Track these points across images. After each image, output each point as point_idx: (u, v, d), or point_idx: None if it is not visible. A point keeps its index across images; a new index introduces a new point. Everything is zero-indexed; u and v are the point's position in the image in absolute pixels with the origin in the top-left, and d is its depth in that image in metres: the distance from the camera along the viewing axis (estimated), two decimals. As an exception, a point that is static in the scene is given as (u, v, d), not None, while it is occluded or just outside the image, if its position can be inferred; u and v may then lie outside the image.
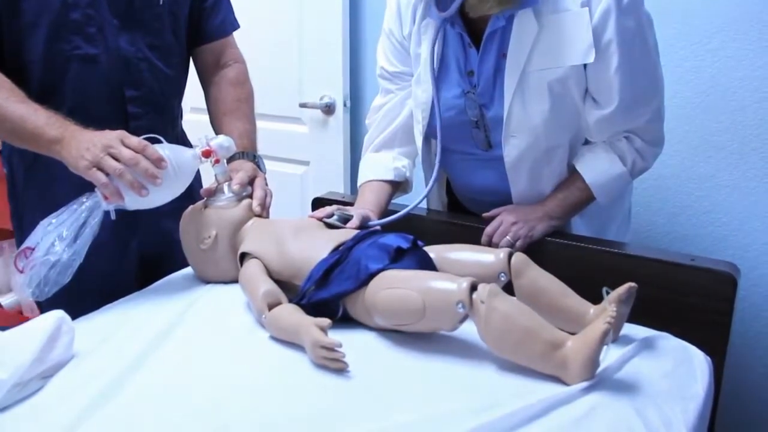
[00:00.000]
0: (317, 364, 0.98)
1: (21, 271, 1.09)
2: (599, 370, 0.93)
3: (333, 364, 0.97)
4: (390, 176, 1.47)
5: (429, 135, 1.44)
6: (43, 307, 1.34)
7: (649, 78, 1.30)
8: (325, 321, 1.00)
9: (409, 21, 1.40)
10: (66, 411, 0.88)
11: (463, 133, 1.39)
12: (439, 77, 1.36)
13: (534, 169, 1.35)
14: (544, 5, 1.23)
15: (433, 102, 1.36)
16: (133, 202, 1.14)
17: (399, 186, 1.52)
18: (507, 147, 1.33)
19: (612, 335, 0.98)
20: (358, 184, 1.51)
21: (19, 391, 0.91)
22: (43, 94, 1.28)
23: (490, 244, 1.32)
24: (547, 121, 1.29)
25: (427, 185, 1.53)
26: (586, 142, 1.39)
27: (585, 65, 1.25)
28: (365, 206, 1.39)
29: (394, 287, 1.02)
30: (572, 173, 1.37)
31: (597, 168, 1.35)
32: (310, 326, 0.99)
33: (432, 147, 1.49)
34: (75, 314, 1.06)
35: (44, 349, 0.94)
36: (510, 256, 1.08)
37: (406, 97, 1.48)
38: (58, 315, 0.99)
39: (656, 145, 1.37)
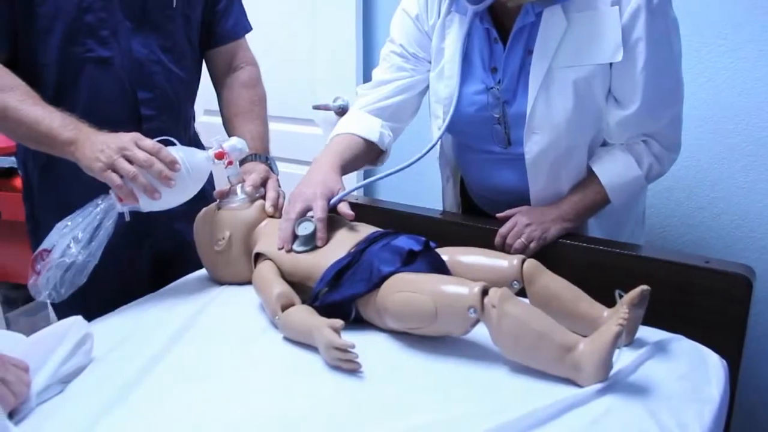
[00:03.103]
0: (331, 365, 0.99)
1: (38, 273, 1.10)
2: (612, 372, 0.92)
3: (346, 365, 0.97)
4: (374, 137, 1.42)
5: (450, 130, 1.43)
6: (57, 308, 1.35)
7: (672, 81, 1.30)
8: (339, 322, 1.00)
9: (434, 13, 1.40)
10: (84, 413, 0.89)
11: (484, 130, 1.39)
12: (462, 72, 1.36)
13: (553, 167, 1.35)
14: (573, 3, 1.24)
15: (455, 97, 1.35)
16: (148, 203, 1.15)
17: (373, 155, 1.47)
18: (528, 144, 1.33)
19: (626, 338, 0.98)
20: (330, 135, 1.45)
21: (38, 395, 0.92)
22: (57, 96, 1.29)
23: (504, 245, 1.32)
24: (569, 119, 1.29)
25: (444, 182, 1.54)
26: (604, 144, 1.38)
27: (611, 64, 1.25)
28: (327, 167, 1.33)
29: (406, 290, 1.02)
30: (588, 175, 1.37)
31: (613, 170, 1.34)
32: (324, 327, 0.99)
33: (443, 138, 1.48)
34: (88, 315, 1.07)
35: (66, 357, 0.96)
36: (523, 262, 1.08)
37: (419, 83, 1.46)
38: (79, 322, 1.00)
39: (673, 150, 1.37)
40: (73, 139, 1.16)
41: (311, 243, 1.17)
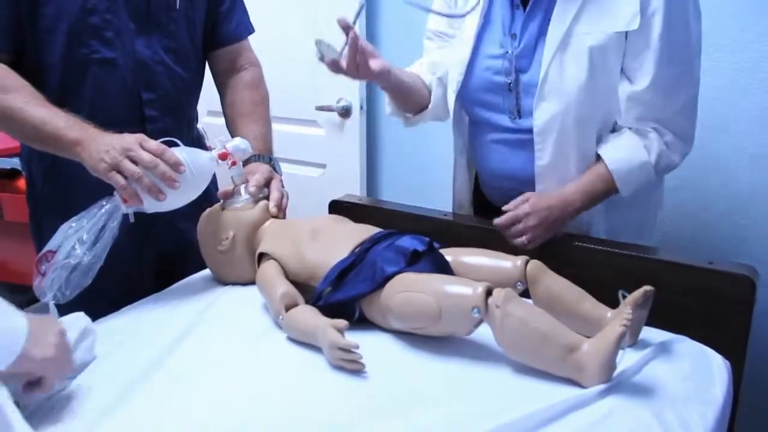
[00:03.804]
0: (334, 366, 0.99)
1: (42, 275, 1.11)
2: (616, 373, 0.93)
3: (350, 365, 0.97)
4: (426, 79, 1.50)
5: (463, 98, 1.46)
6: (62, 309, 1.35)
7: (687, 65, 1.30)
8: (342, 322, 1.00)
9: None
10: (87, 411, 0.89)
11: (495, 98, 1.40)
12: (480, 36, 1.40)
13: (560, 140, 1.34)
14: None
15: (470, 61, 1.40)
16: (152, 204, 1.15)
17: (419, 99, 1.50)
18: (537, 111, 1.33)
19: (629, 339, 0.98)
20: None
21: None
22: (62, 97, 1.29)
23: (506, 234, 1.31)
24: (581, 88, 1.29)
25: (456, 155, 1.58)
26: (614, 130, 1.38)
27: (626, 36, 1.27)
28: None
29: (409, 291, 1.02)
30: (596, 162, 1.36)
31: (621, 155, 1.33)
32: (328, 328, 1.00)
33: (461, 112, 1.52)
34: (92, 315, 1.07)
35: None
36: (527, 263, 1.08)
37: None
38: (81, 318, 1.01)
39: (686, 141, 1.35)
40: (78, 140, 1.16)
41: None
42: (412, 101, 1.51)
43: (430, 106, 1.52)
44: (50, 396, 0.93)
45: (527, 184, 1.39)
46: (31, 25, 1.28)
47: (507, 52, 1.36)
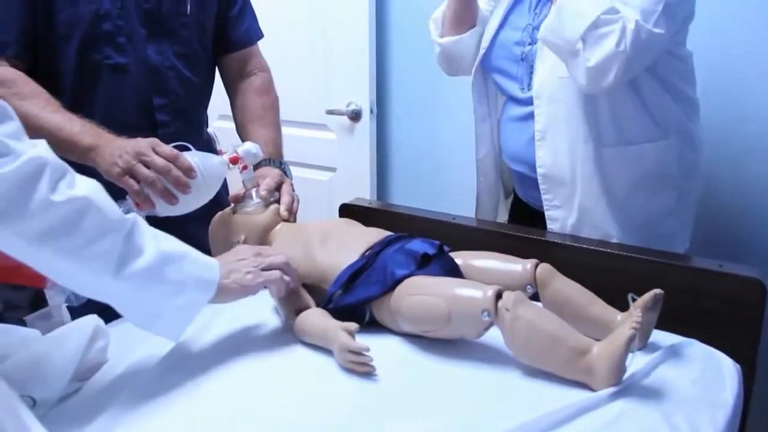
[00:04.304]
0: (345, 368, 0.99)
1: (56, 277, 1.12)
2: (626, 376, 0.93)
3: (360, 368, 0.98)
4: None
5: (486, 63, 1.57)
6: (77, 311, 1.36)
7: None
8: (353, 325, 1.01)
9: None
10: (100, 414, 0.90)
11: (512, 68, 1.51)
12: (511, 10, 1.52)
13: (554, 103, 1.41)
14: None
15: (497, 31, 1.52)
16: (164, 208, 1.17)
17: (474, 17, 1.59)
18: (536, 74, 1.43)
19: (639, 342, 0.98)
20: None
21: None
22: (75, 102, 1.31)
23: None
24: None
25: (476, 120, 1.67)
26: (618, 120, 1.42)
27: None
28: None
29: (419, 294, 1.03)
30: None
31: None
32: (338, 330, 1.00)
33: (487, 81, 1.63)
34: (104, 318, 1.08)
35: (83, 353, 0.97)
36: (536, 266, 1.08)
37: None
38: (93, 321, 1.02)
39: (645, 14, 1.25)
40: (93, 145, 1.18)
41: None
42: (471, 13, 1.58)
43: (473, 30, 1.59)
44: (62, 398, 0.94)
45: (532, 168, 1.47)
46: (46, 32, 1.29)
47: (528, 25, 1.47)
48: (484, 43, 1.55)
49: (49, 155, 0.85)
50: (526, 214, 1.62)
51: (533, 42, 1.45)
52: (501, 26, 1.53)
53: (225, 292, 1.02)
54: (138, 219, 0.94)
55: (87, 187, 0.88)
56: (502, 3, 1.55)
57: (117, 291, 0.92)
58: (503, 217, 1.74)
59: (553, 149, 1.43)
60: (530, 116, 1.45)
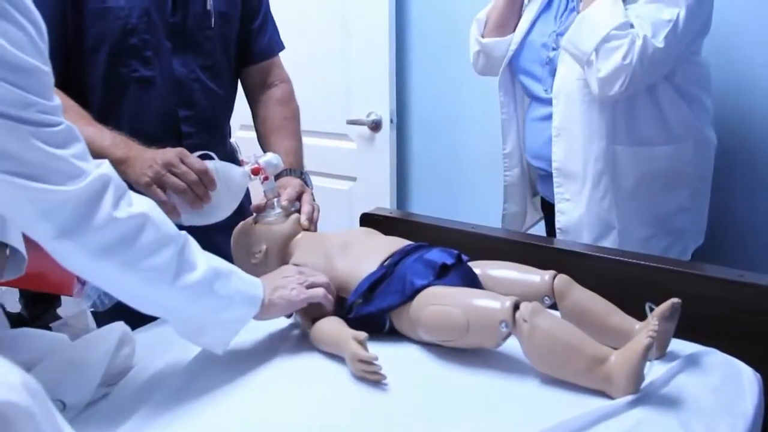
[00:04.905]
0: (358, 377, 1.00)
1: (83, 284, 1.14)
2: (644, 384, 0.93)
3: (371, 376, 0.98)
4: None
5: (515, 63, 1.67)
6: (101, 317, 1.39)
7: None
8: (363, 334, 1.02)
9: None
10: (126, 420, 0.92)
11: (536, 68, 1.61)
12: (540, 15, 1.62)
13: (569, 103, 1.50)
14: None
15: (525, 34, 1.62)
16: (189, 218, 1.20)
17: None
18: (557, 75, 1.51)
19: (658, 351, 0.98)
20: None
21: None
22: (103, 114, 1.34)
23: None
24: None
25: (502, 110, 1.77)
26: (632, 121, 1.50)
27: None
28: None
29: (438, 304, 1.03)
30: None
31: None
32: (349, 340, 1.01)
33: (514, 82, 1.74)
34: (130, 325, 1.10)
35: (110, 358, 1.00)
36: (554, 278, 1.09)
37: None
38: (121, 327, 1.05)
39: (654, 29, 1.36)
40: (123, 158, 1.21)
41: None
42: (515, 18, 1.69)
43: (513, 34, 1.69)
44: (90, 403, 0.96)
45: (550, 165, 1.57)
46: (76, 47, 1.33)
47: (553, 31, 1.56)
48: (513, 45, 1.65)
49: (113, 174, 0.89)
50: (545, 211, 1.78)
51: (557, 47, 1.54)
52: (529, 30, 1.63)
53: (270, 308, 1.06)
54: (188, 235, 0.98)
55: (144, 204, 0.93)
56: (532, 7, 1.65)
57: (170, 302, 0.96)
58: (531, 213, 1.86)
59: (568, 145, 1.52)
60: (551, 116, 1.55)
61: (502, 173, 1.82)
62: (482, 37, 1.72)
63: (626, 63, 1.35)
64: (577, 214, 1.55)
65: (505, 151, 1.79)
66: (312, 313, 1.12)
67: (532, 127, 1.70)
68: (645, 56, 1.35)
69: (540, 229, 1.88)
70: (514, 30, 1.68)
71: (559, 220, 1.58)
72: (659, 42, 1.35)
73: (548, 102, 1.57)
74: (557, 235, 1.61)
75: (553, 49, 1.56)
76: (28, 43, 0.79)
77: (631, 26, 1.37)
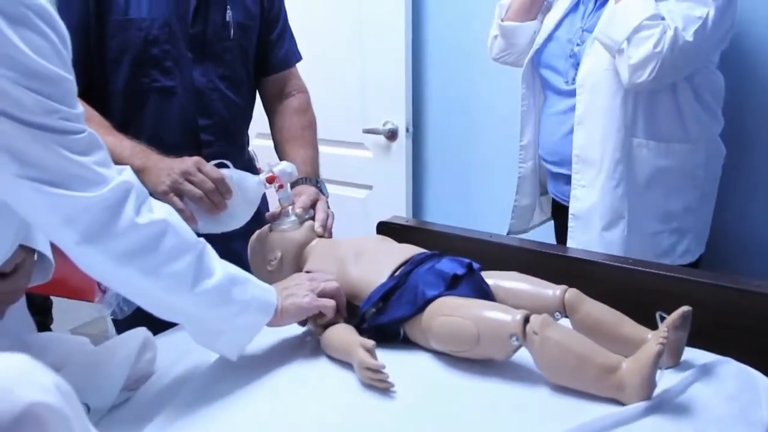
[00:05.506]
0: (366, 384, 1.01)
1: (103, 291, 1.16)
2: (658, 392, 0.92)
3: (378, 384, 0.99)
4: None
5: (540, 55, 1.73)
6: (120, 323, 1.41)
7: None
8: (370, 342, 1.03)
9: None
10: (150, 422, 0.93)
11: (559, 62, 1.67)
12: (568, 13, 1.67)
13: (594, 92, 1.55)
14: None
15: (552, 30, 1.68)
16: (206, 226, 1.22)
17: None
18: (582, 66, 1.57)
19: (671, 359, 0.98)
20: None
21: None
22: (123, 123, 1.37)
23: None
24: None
25: (522, 103, 1.83)
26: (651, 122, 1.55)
27: None
28: None
29: (449, 315, 1.04)
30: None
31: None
32: (357, 347, 1.02)
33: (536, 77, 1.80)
34: (150, 331, 1.12)
35: (132, 363, 1.02)
36: (565, 292, 1.09)
37: None
38: (142, 332, 1.07)
39: (685, 23, 1.42)
40: (142, 167, 1.23)
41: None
42: (537, 6, 1.76)
43: (532, 22, 1.77)
44: (113, 407, 0.98)
45: (565, 164, 1.64)
46: (98, 57, 1.36)
47: (579, 28, 1.63)
48: (539, 40, 1.72)
49: (134, 181, 0.91)
50: (555, 213, 1.84)
51: (582, 43, 1.61)
52: (556, 28, 1.70)
53: (283, 314, 1.08)
54: (206, 242, 1.00)
55: (165, 210, 0.95)
56: (559, 7, 1.71)
57: (189, 307, 0.97)
58: (538, 211, 1.93)
59: (589, 134, 1.57)
60: (570, 109, 1.60)
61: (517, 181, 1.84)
62: (502, 20, 1.78)
63: (657, 51, 1.41)
64: (591, 201, 1.61)
65: (522, 143, 1.85)
66: (323, 319, 1.13)
67: (548, 122, 1.76)
68: (675, 46, 1.41)
69: (543, 232, 1.92)
70: (535, 18, 1.75)
71: (573, 206, 1.65)
72: (689, 35, 1.41)
73: (567, 94, 1.64)
74: (569, 221, 1.67)
75: (578, 45, 1.62)
76: (51, 51, 0.81)
77: (662, 18, 1.43)
